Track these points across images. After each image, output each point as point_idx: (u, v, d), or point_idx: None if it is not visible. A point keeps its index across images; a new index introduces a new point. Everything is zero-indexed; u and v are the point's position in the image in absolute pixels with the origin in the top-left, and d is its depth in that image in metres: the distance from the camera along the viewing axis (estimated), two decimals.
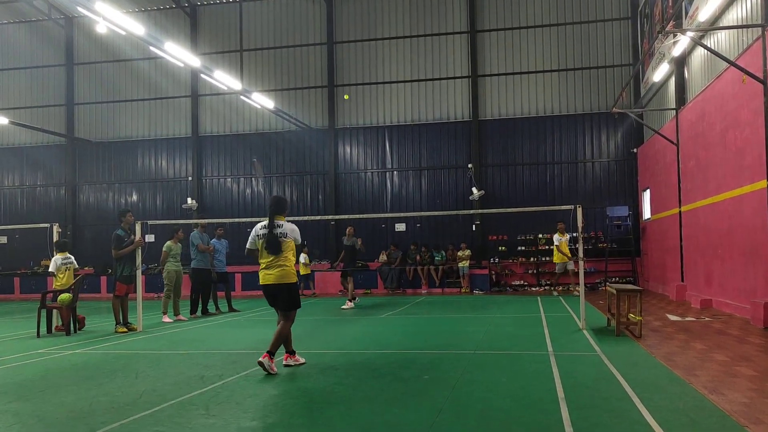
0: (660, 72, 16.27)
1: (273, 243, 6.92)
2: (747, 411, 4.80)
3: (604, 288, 18.33)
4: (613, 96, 20.93)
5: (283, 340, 6.99)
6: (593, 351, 7.79)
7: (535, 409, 5.00)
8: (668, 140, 16.19)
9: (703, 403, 5.08)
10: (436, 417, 4.79)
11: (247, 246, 7.20)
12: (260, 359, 6.70)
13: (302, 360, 7.20)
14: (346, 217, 19.00)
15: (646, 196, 20.15)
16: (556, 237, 17.52)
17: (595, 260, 20.49)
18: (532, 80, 22.05)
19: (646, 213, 20.24)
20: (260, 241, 7.05)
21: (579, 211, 10.28)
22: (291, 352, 7.23)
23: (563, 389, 5.60)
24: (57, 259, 11.66)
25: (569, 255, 17.44)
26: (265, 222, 7.16)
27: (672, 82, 16.29)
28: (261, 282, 7.02)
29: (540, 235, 21.19)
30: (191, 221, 17.73)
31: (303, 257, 19.88)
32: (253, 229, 7.18)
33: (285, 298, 7.00)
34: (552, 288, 19.32)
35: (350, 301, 15.47)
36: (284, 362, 7.08)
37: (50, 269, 11.65)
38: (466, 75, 22.40)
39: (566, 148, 21.84)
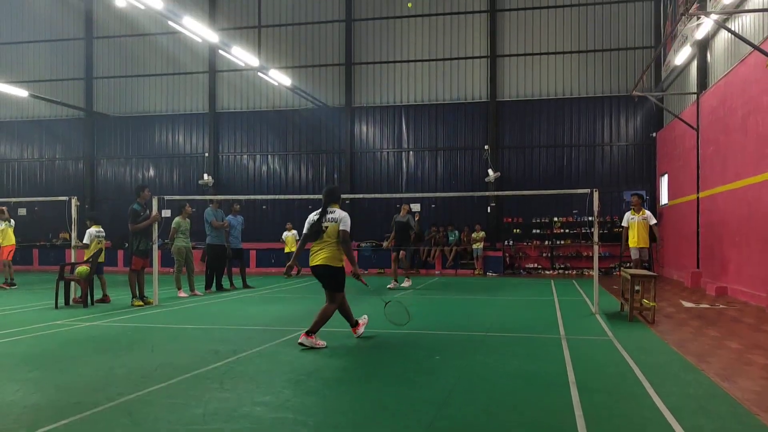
0: (682, 55, 16.00)
1: (317, 229, 7.19)
2: (759, 399, 4.80)
3: (618, 273, 18.26)
4: (633, 79, 20.63)
5: (324, 320, 7.14)
6: (605, 336, 7.79)
7: (545, 391, 5.03)
8: (688, 125, 15.97)
9: (714, 390, 5.08)
10: (447, 396, 4.84)
11: (304, 231, 7.44)
12: (300, 340, 6.91)
13: (322, 343, 7.04)
14: (361, 196, 19.03)
15: (664, 181, 19.94)
16: (628, 216, 12.84)
17: (610, 245, 20.35)
18: (551, 61, 21.79)
19: (664, 198, 20.05)
20: (309, 226, 7.30)
21: (596, 194, 10.21)
22: (354, 324, 7.61)
23: (574, 373, 5.62)
24: (92, 231, 11.90)
25: (648, 238, 12.76)
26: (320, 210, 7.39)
27: (694, 65, 16.03)
28: (309, 264, 7.27)
29: (555, 219, 21.10)
30: (207, 197, 17.87)
31: (290, 233, 19.71)
32: (309, 216, 7.44)
33: (328, 281, 7.24)
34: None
35: (395, 281, 15.31)
36: (299, 340, 7.04)
37: (85, 240, 11.88)
38: (485, 55, 22.18)
39: (584, 131, 21.63)
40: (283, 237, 19.84)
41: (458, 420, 4.27)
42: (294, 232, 19.64)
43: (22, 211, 25.30)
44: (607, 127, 21.53)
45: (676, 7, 17.56)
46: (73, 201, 12.40)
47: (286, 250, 19.66)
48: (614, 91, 21.36)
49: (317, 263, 7.18)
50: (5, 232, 15.41)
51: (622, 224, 12.88)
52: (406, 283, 15.55)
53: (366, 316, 7.88)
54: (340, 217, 7.26)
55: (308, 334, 6.92)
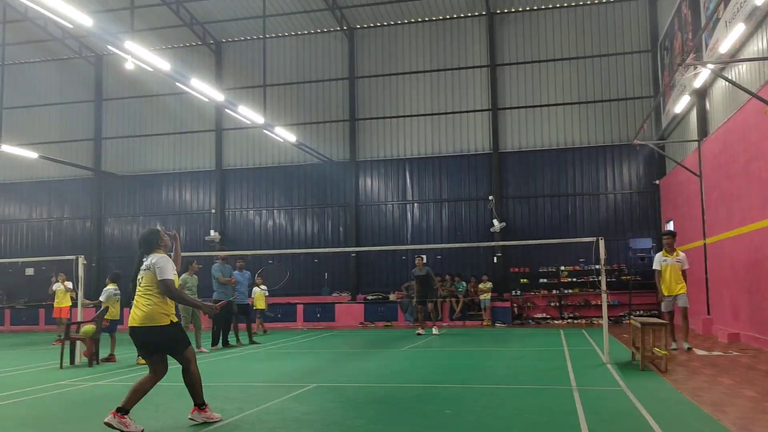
0: (681, 104, 16.23)
1: (133, 284, 6.01)
2: None
3: (628, 321, 18.02)
4: (634, 128, 20.87)
5: (196, 385, 6.01)
6: (618, 386, 7.64)
7: None
8: (691, 172, 16.05)
9: None
10: None
11: None
12: (190, 415, 5.98)
13: (216, 416, 6.00)
14: (367, 249, 19.03)
15: (669, 227, 19.89)
16: (659, 257, 11.41)
17: (618, 293, 20.19)
18: (552, 112, 22.12)
19: None
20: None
21: (601, 243, 10.19)
22: (200, 405, 6.04)
23: (587, 425, 5.49)
24: (110, 289, 11.97)
25: (681, 283, 11.24)
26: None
27: (694, 113, 16.22)
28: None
29: (562, 268, 21.01)
30: (214, 253, 17.91)
31: (259, 290, 18.28)
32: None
33: (158, 347, 5.89)
34: (670, 344, 10.72)
35: (422, 328, 16.61)
36: (190, 415, 6.01)
37: (101, 298, 11.93)
38: (487, 108, 22.55)
39: (587, 180, 21.76)
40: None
41: None
42: (264, 288, 18.59)
43: (30, 271, 25.38)
44: (610, 175, 21.67)
45: (672, 58, 17.91)
46: (80, 260, 12.44)
47: (256, 306, 18.27)
48: (615, 140, 21.58)
49: (132, 324, 5.80)
50: (61, 295, 16.64)
51: (654, 267, 11.56)
52: (435, 331, 16.30)
53: (221, 416, 6.10)
54: (154, 263, 5.91)
55: (199, 407, 5.93)
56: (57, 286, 16.72)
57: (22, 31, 24.26)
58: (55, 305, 16.69)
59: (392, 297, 21.87)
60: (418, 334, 16.09)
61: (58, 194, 26.33)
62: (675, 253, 11.36)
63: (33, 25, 23.76)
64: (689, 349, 11.07)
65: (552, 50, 22.24)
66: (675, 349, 10.97)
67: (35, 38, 24.91)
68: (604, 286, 10.22)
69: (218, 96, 17.63)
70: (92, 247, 25.23)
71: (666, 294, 11.36)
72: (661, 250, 11.58)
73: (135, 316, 5.77)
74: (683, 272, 11.28)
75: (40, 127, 26.44)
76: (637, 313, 19.51)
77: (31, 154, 21.94)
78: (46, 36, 24.57)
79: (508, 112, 22.46)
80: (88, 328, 11.22)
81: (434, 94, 23.09)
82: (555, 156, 21.97)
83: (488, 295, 20.43)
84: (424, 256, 19.86)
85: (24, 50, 25.72)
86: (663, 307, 11.57)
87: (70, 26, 15.91)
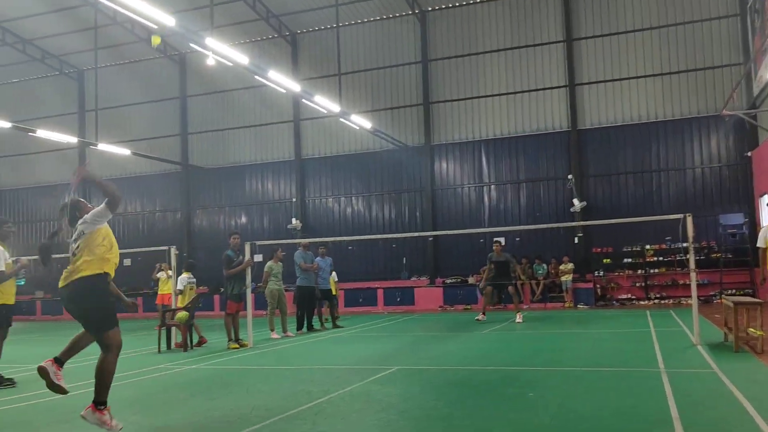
0: None
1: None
2: None
3: (719, 301, 17.21)
4: (722, 97, 19.74)
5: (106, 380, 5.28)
6: (709, 368, 7.36)
7: (646, 429, 4.81)
8: None
9: None
10: None
11: None
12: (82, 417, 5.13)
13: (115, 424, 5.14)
14: (444, 233, 19.01)
15: (764, 201, 18.77)
16: (766, 231, 9.83)
17: (708, 271, 19.29)
18: (633, 86, 21.25)
19: (765, 220, 18.84)
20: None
21: (689, 220, 9.78)
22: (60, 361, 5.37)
23: (677, 408, 5.32)
24: (183, 278, 12.61)
25: None
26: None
27: None
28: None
29: (647, 246, 20.26)
30: (295, 241, 18.42)
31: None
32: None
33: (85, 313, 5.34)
34: None
35: (483, 314, 15.68)
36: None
37: (178, 287, 12.59)
38: (564, 84, 21.93)
39: (673, 155, 20.83)
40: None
41: None
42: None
43: (128, 261, 26.95)
44: (697, 149, 20.64)
45: (764, 21, 16.80)
46: (172, 250, 13.11)
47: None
48: (702, 112, 20.51)
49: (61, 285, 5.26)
50: (163, 283, 17.11)
51: (759, 244, 10.02)
52: (519, 318, 15.17)
53: (121, 426, 5.21)
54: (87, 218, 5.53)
55: (96, 405, 5.13)
56: (160, 275, 17.37)
57: (111, 35, 25.56)
58: (159, 292, 17.42)
59: (471, 280, 21.80)
60: (477, 320, 15.32)
61: (150, 188, 27.76)
62: None
63: (121, 29, 25.04)
64: None
65: (632, 20, 21.32)
66: None
67: (122, 41, 26.22)
68: (692, 265, 9.83)
69: (295, 86, 18.03)
70: (183, 237, 26.48)
71: None
72: None
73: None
74: None
75: (131, 125, 27.86)
76: (729, 292, 18.61)
77: (125, 152, 23.25)
78: (134, 38, 25.81)
79: (587, 88, 21.76)
80: (182, 315, 11.84)
81: (509, 72, 22.67)
82: (637, 131, 21.14)
83: (570, 277, 20.01)
84: (503, 240, 19.68)
85: (113, 53, 27.09)
86: None
87: (155, 27, 16.62)
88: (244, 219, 26.16)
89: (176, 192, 27.29)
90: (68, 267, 5.29)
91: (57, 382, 5.21)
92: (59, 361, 5.35)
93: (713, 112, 20.04)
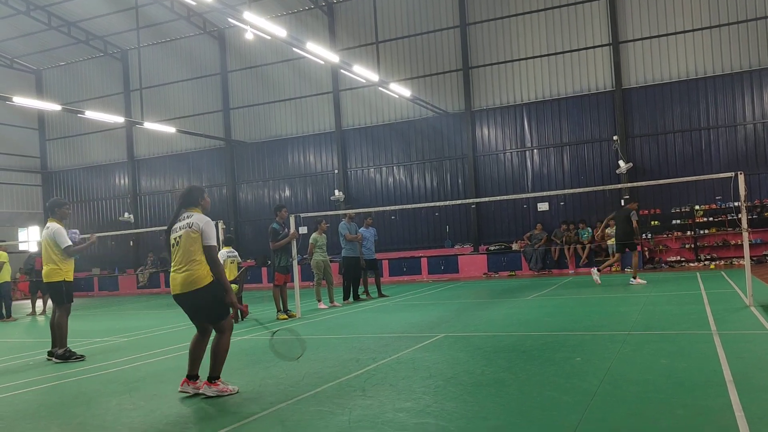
0: None
1: (167, 242, 5.68)
2: None
3: None
4: None
5: (224, 357, 5.63)
6: (764, 329, 7.21)
7: (699, 392, 4.75)
8: None
9: None
10: (591, 400, 4.71)
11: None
12: (201, 390, 5.55)
13: (232, 388, 5.59)
14: (487, 199, 18.88)
15: None
16: None
17: (762, 231, 18.74)
18: (680, 41, 20.50)
19: None
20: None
21: (741, 178, 9.49)
22: (193, 377, 5.71)
23: (731, 371, 5.24)
24: (223, 252, 12.84)
25: None
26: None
27: None
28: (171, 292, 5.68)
29: (697, 207, 19.75)
30: (339, 212, 18.60)
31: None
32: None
33: (203, 311, 5.59)
34: None
35: (634, 278, 14.68)
36: (180, 388, 5.71)
37: None
38: (607, 43, 21.31)
39: (722, 111, 20.10)
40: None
41: (605, 424, 4.15)
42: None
43: None
44: (749, 103, 19.85)
45: None
46: (220, 225, 13.40)
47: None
48: (754, 65, 19.68)
49: (177, 292, 5.53)
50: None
51: None
52: (638, 281, 14.52)
53: (237, 388, 5.70)
54: (197, 223, 5.54)
55: (210, 380, 5.51)
56: None
57: (151, 15, 25.88)
58: None
59: (515, 246, 21.68)
60: (631, 283, 14.45)
61: (196, 165, 28.30)
62: None
63: (161, 7, 25.32)
64: None
65: None
66: None
67: (163, 20, 26.52)
68: (745, 224, 9.58)
69: (333, 57, 17.99)
70: (229, 212, 27.00)
71: None
72: None
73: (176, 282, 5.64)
74: None
75: (174, 103, 28.34)
76: None
77: (170, 129, 23.71)
78: (174, 16, 26.07)
79: (630, 45, 21.08)
80: (232, 287, 12.15)
81: (549, 33, 22.12)
82: (685, 88, 20.45)
83: (614, 240, 19.65)
84: (543, 205, 19.31)
85: (155, 32, 27.47)
86: None
87: (193, 3, 16.76)
88: (287, 192, 26.48)
89: (221, 167, 27.76)
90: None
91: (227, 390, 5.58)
92: (191, 378, 5.73)
93: (765, 65, 19.21)
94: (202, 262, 5.46)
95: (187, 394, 5.64)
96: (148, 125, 23.38)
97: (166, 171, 28.85)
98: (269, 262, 12.65)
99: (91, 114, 21.90)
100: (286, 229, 12.22)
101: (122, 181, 29.84)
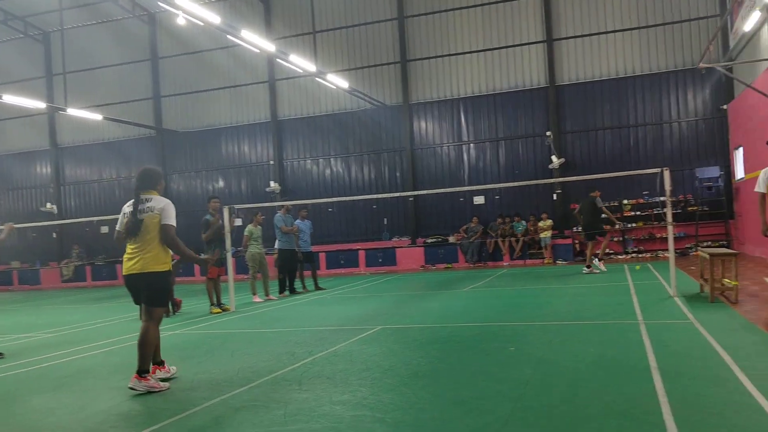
0: (751, 21, 15.19)
1: (132, 224, 5.69)
2: None
3: (695, 253, 17.55)
4: (698, 50, 19.78)
5: (149, 349, 5.63)
6: (686, 318, 7.53)
7: (626, 379, 4.92)
8: (762, 94, 15.17)
9: None
10: (524, 389, 4.80)
11: (116, 228, 5.88)
12: (130, 384, 5.45)
13: (163, 385, 5.53)
14: (424, 192, 19.01)
15: (739, 154, 19.02)
16: None
17: (684, 224, 19.65)
18: (610, 40, 21.17)
19: (740, 173, 19.12)
20: (124, 220, 5.79)
21: (666, 174, 9.88)
22: (159, 363, 5.91)
23: (656, 358, 5.47)
24: None
25: None
26: (132, 200, 5.88)
27: (765, 31, 15.21)
28: (123, 272, 5.82)
29: (625, 201, 20.51)
30: (275, 204, 18.34)
31: None
32: (122, 210, 5.92)
33: (148, 293, 5.72)
34: None
35: (590, 265, 15.09)
36: (129, 385, 5.55)
37: None
38: (541, 40, 21.77)
39: (650, 109, 20.90)
40: None
41: (537, 412, 4.23)
42: None
43: (104, 229, 26.65)
44: (674, 102, 20.73)
45: None
46: None
47: None
48: (679, 65, 20.55)
49: (132, 272, 5.66)
50: None
51: (757, 189, 7.66)
52: (601, 266, 15.07)
53: (175, 368, 6.08)
54: (158, 206, 5.74)
55: (140, 375, 5.46)
56: None
57: None
58: None
59: (452, 239, 21.95)
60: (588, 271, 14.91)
61: (124, 154, 27.26)
62: None
63: None
64: None
65: None
66: None
67: (90, 1, 25.35)
68: (670, 218, 9.99)
69: (269, 46, 17.64)
70: None
71: None
72: None
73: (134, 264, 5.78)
74: None
75: (101, 89, 27.17)
76: (705, 244, 18.98)
77: (96, 116, 22.72)
78: None
79: (564, 43, 21.62)
80: None
81: (486, 29, 22.41)
82: (615, 86, 21.14)
83: (549, 233, 20.22)
84: (479, 198, 19.66)
85: (80, 13, 26.22)
86: None
87: None
88: (221, 183, 25.89)
89: (151, 157, 26.83)
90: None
91: (157, 386, 5.48)
92: (158, 363, 5.87)
93: (690, 66, 20.09)
94: (159, 245, 5.67)
95: (138, 392, 5.41)
96: (72, 111, 22.31)
97: (93, 160, 27.68)
98: (201, 255, 12.27)
99: (9, 98, 20.70)
100: (221, 221, 11.93)
101: (44, 170, 28.45)
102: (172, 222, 5.71)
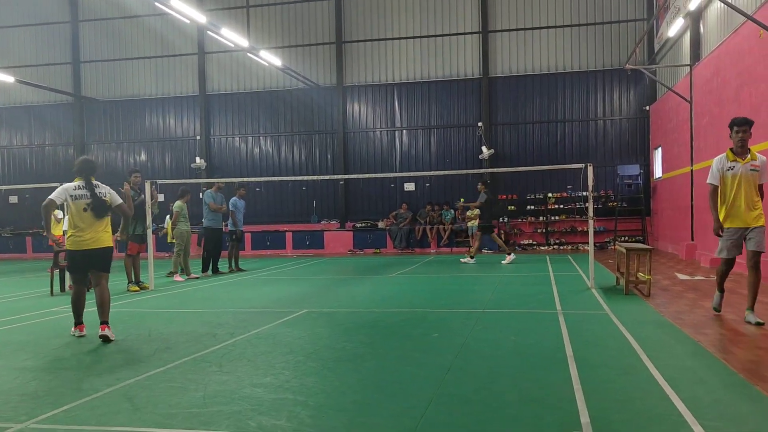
0: (675, 27, 15.89)
1: (100, 207, 6.64)
2: (755, 368, 4.83)
3: (613, 247, 18.33)
4: (626, 52, 20.54)
5: (108, 304, 6.72)
6: (602, 309, 7.82)
7: (543, 367, 5.05)
8: (682, 97, 15.92)
9: (711, 361, 5.11)
10: (445, 374, 4.85)
11: (54, 199, 6.53)
12: (100, 333, 6.45)
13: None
14: (355, 176, 18.94)
15: (658, 154, 19.95)
16: (721, 163, 6.90)
17: (604, 219, 20.47)
18: (543, 36, 21.65)
19: (658, 172, 20.08)
20: (79, 202, 6.56)
21: (590, 169, 10.20)
22: (81, 323, 6.85)
23: (572, 347, 5.64)
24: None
25: (757, 208, 6.78)
26: (79, 183, 6.70)
27: (687, 37, 15.93)
28: (78, 247, 6.54)
29: (550, 195, 21.14)
30: (200, 181, 17.78)
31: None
32: (63, 188, 6.64)
33: (104, 262, 6.76)
34: None
35: (471, 257, 15.92)
36: (76, 333, 6.79)
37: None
38: (477, 30, 22.00)
39: (578, 106, 21.57)
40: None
41: (458, 397, 4.28)
42: None
43: (14, 199, 25.16)
44: (601, 101, 21.48)
45: None
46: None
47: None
48: (607, 65, 21.27)
49: (91, 247, 6.59)
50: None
51: (709, 181, 6.94)
52: (508, 259, 15.46)
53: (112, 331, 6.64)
54: (106, 190, 6.87)
55: (108, 325, 6.56)
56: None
57: None
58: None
59: (381, 224, 22.00)
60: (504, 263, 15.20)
61: (39, 120, 25.76)
62: (749, 156, 6.60)
63: None
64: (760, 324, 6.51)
65: None
66: (750, 322, 6.61)
67: None
68: (591, 213, 10.32)
69: (200, 17, 16.99)
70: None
71: (730, 225, 6.69)
72: (725, 153, 6.79)
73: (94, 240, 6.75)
74: (760, 188, 6.70)
75: (15, 49, 25.54)
76: (623, 239, 19.85)
77: (8, 78, 21.29)
78: None
79: (499, 35, 21.95)
80: None
81: (423, 15, 22.44)
82: (545, 81, 21.67)
83: (476, 222, 20.54)
84: (410, 185, 19.79)
85: None
86: (722, 250, 6.81)
87: None
88: (143, 156, 24.91)
89: (68, 125, 25.49)
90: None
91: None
92: (81, 323, 6.84)
93: (617, 66, 20.83)
94: (108, 223, 6.84)
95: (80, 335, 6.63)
96: None
97: (2, 125, 26.00)
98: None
99: None
100: (143, 195, 11.45)
101: None
102: (121, 200, 7.02)
